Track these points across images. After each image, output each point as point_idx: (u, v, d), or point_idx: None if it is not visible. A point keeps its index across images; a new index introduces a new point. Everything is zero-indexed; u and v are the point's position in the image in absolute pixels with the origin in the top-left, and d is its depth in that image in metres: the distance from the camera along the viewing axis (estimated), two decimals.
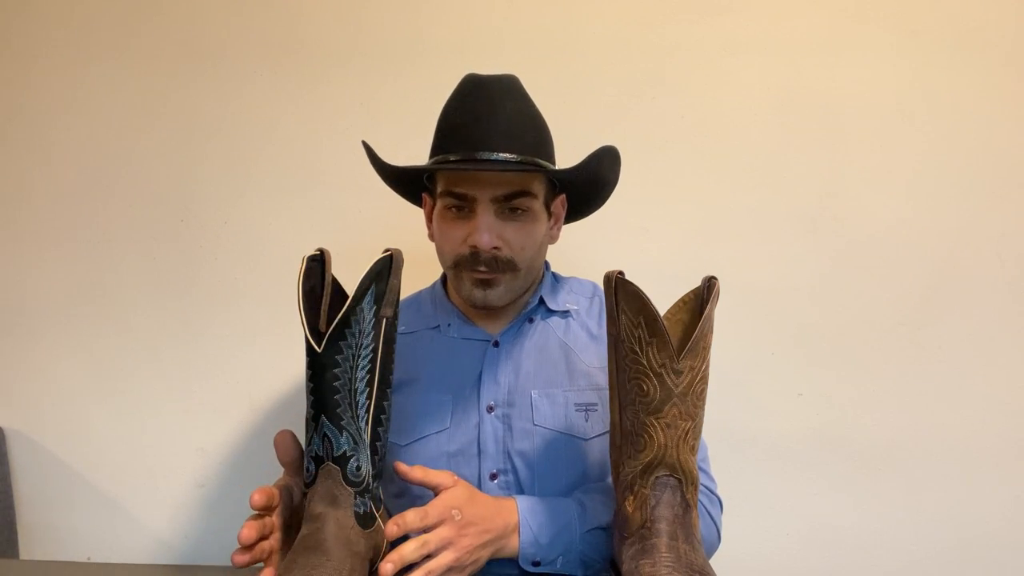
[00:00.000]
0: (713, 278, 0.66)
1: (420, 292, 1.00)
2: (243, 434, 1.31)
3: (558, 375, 0.87)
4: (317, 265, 0.66)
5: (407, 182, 0.92)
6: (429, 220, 0.90)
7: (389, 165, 0.84)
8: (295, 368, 1.30)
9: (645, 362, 0.63)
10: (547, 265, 0.97)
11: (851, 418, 1.24)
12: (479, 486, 0.83)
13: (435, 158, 0.82)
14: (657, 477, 0.64)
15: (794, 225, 1.25)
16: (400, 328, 0.91)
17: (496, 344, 0.89)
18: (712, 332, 0.65)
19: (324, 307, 0.65)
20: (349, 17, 1.30)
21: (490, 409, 0.85)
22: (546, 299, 0.91)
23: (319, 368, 0.63)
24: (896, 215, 1.24)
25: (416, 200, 0.96)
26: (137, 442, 1.32)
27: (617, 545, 0.68)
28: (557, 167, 0.87)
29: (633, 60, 1.27)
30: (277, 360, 1.30)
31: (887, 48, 1.24)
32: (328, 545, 0.61)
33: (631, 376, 0.64)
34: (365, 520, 0.65)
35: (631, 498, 0.65)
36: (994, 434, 1.22)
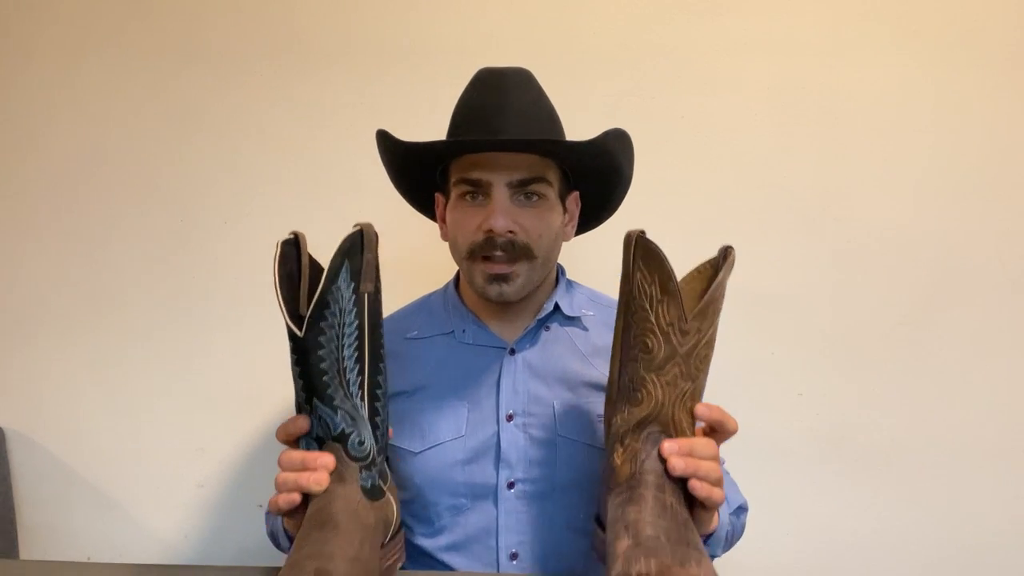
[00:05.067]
0: (729, 247, 0.65)
1: (430, 295, 0.98)
2: (243, 434, 1.31)
3: (580, 385, 0.86)
4: (292, 249, 0.65)
5: (420, 182, 0.91)
6: (443, 220, 0.89)
7: (404, 144, 0.82)
8: None
9: (654, 319, 0.62)
10: (563, 271, 0.95)
11: (851, 418, 1.24)
12: (496, 494, 0.82)
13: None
14: (649, 433, 0.64)
15: (794, 225, 1.25)
16: (412, 334, 0.91)
17: (512, 352, 0.87)
18: (723, 299, 0.65)
19: (304, 290, 0.64)
20: (350, 16, 1.30)
21: (509, 418, 0.84)
22: (561, 304, 0.90)
23: (303, 353, 0.63)
24: (896, 215, 1.24)
25: (425, 207, 0.95)
26: (137, 442, 1.31)
27: (603, 498, 0.68)
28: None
29: (633, 60, 1.26)
30: (277, 360, 1.29)
31: (888, 48, 1.24)
32: (337, 519, 0.61)
33: (637, 333, 0.64)
34: (373, 493, 0.65)
35: (620, 451, 0.65)
36: (994, 434, 1.22)
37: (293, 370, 0.65)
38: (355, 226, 0.66)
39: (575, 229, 0.93)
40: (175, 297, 1.32)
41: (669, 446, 0.62)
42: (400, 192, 0.94)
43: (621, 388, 0.66)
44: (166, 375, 1.31)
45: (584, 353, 0.88)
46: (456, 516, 0.83)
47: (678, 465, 0.61)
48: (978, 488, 1.23)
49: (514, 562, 0.81)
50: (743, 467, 1.25)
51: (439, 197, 0.90)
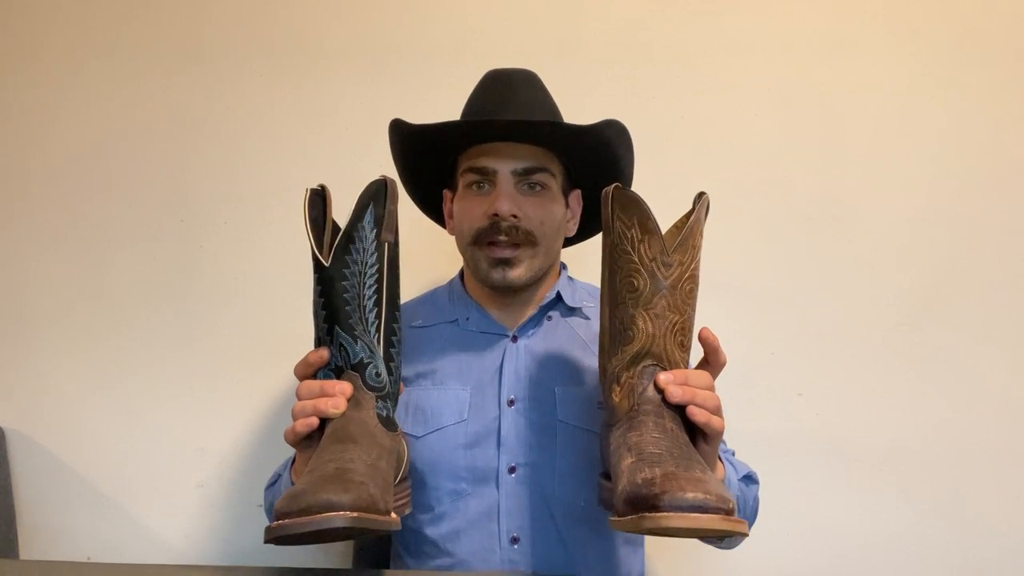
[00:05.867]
0: (703, 193, 0.68)
1: (436, 289, 1.01)
2: (243, 434, 1.31)
3: (581, 372, 0.88)
4: (318, 199, 0.67)
5: (427, 179, 0.94)
6: (450, 216, 0.92)
7: (417, 127, 0.85)
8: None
9: (637, 258, 0.65)
10: (565, 267, 0.98)
11: (851, 418, 1.24)
12: (496, 478, 0.83)
13: (462, 137, 0.86)
14: (644, 367, 0.65)
15: (794, 225, 1.25)
16: (417, 322, 0.94)
17: (514, 339, 0.90)
18: (702, 237, 0.67)
19: (327, 241, 0.66)
20: (350, 16, 1.30)
21: (511, 403, 0.86)
22: (563, 294, 0.92)
23: (328, 282, 0.64)
24: (896, 214, 1.24)
25: (430, 207, 0.98)
26: (137, 442, 1.31)
27: (603, 437, 0.69)
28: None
29: (633, 60, 1.26)
30: (277, 360, 1.29)
31: (887, 47, 1.24)
32: (356, 437, 0.62)
33: (622, 276, 0.66)
34: (388, 424, 0.67)
35: (617, 388, 0.66)
36: (994, 434, 1.22)
37: (316, 304, 0.66)
38: (380, 176, 0.67)
39: (577, 226, 0.95)
40: (175, 297, 1.32)
41: (665, 376, 0.63)
42: (408, 189, 0.96)
43: (613, 334, 0.68)
44: (166, 375, 1.31)
45: (585, 341, 0.90)
46: (456, 501, 0.84)
47: (675, 393, 0.62)
48: (979, 488, 1.23)
49: (515, 546, 0.82)
50: None
51: (447, 193, 0.93)
